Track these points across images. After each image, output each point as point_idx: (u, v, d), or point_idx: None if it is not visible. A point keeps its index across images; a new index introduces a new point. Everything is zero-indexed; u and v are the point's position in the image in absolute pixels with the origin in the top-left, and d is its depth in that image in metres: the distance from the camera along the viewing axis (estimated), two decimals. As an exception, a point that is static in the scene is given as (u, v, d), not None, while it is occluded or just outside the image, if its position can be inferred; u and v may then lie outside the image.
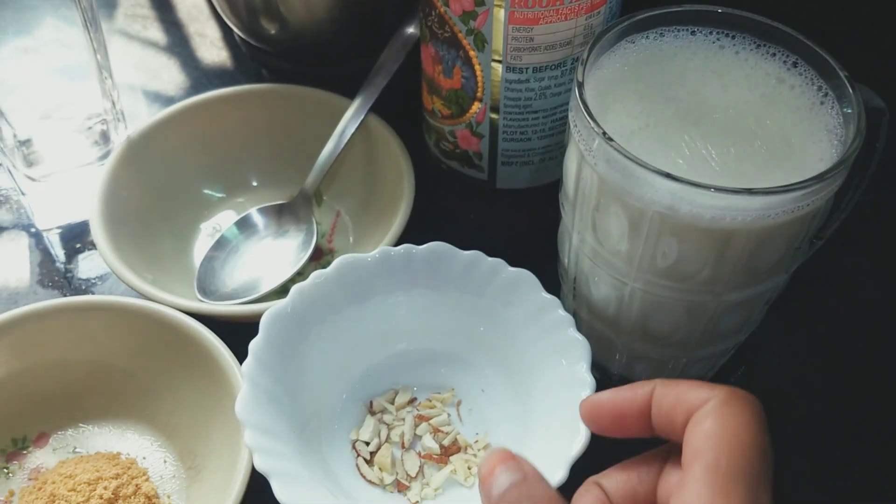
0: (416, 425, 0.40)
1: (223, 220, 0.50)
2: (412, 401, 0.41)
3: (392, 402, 0.41)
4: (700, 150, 0.34)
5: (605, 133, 0.32)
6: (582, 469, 0.33)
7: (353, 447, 0.39)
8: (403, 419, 0.40)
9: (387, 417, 0.40)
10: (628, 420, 0.29)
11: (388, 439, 0.40)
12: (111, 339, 0.41)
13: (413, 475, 0.39)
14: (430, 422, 0.40)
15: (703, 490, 0.25)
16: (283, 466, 0.34)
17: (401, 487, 0.38)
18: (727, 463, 0.25)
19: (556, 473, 0.33)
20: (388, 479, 0.38)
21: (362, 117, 0.49)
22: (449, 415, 0.41)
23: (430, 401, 0.41)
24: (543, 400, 0.38)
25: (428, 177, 0.48)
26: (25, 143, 0.49)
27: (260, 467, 0.33)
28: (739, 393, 0.27)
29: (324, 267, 0.48)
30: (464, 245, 0.42)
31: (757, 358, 0.44)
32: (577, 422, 0.33)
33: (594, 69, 0.36)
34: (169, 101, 0.58)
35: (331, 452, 0.39)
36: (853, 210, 0.37)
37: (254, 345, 0.37)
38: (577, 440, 0.34)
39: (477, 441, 0.40)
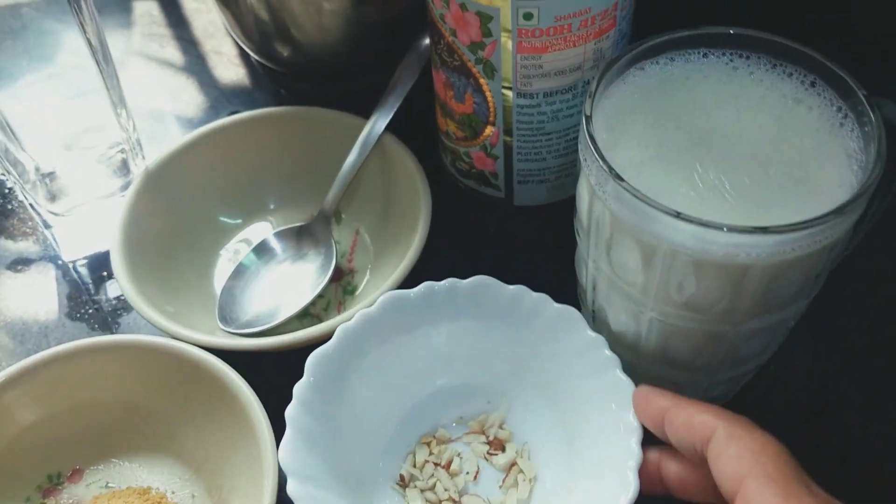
0: (452, 476, 0.39)
1: (242, 245, 0.51)
2: (430, 455, 0.40)
3: (414, 466, 0.40)
4: (713, 180, 0.33)
5: (612, 170, 0.32)
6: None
7: None
8: (433, 475, 0.39)
9: (420, 484, 0.39)
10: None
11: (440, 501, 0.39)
12: (133, 378, 0.41)
13: None
14: (450, 470, 0.39)
15: (772, 498, 0.27)
16: None
17: None
18: (775, 471, 0.28)
19: None
20: None
21: (378, 137, 0.49)
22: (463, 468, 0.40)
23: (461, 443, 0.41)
24: (594, 446, 0.37)
25: (444, 193, 0.48)
26: (49, 175, 0.50)
27: None
28: (739, 417, 0.31)
29: (345, 287, 0.49)
30: (484, 262, 0.42)
31: (780, 376, 0.43)
32: (627, 473, 0.33)
33: (603, 99, 0.35)
34: (189, 121, 0.59)
35: (374, 494, 0.38)
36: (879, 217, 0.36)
37: (298, 387, 0.37)
38: (625, 492, 0.33)
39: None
